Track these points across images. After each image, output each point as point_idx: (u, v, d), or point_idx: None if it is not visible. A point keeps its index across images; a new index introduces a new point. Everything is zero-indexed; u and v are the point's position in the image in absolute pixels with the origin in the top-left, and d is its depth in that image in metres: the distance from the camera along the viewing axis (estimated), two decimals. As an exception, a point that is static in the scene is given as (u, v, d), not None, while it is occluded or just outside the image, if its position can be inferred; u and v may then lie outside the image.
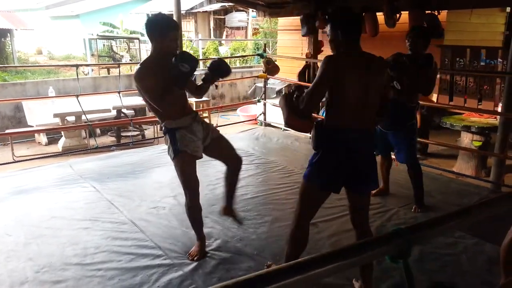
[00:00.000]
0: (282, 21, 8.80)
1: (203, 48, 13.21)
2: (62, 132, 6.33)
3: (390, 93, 2.78)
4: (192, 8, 16.42)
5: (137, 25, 17.23)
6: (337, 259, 0.90)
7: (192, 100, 6.46)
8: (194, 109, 6.48)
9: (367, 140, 2.14)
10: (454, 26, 6.27)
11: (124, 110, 6.74)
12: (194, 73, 2.45)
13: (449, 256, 2.75)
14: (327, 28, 2.16)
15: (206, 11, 17.02)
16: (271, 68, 6.27)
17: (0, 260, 2.68)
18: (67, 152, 5.62)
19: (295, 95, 2.13)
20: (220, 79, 2.82)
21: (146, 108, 6.89)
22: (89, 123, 5.18)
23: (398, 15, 4.90)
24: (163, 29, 2.43)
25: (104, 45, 12.67)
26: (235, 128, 6.72)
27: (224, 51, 14.57)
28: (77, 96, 4.89)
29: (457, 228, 2.97)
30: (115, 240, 2.92)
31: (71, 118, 6.27)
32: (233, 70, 10.35)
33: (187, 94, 2.75)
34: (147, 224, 3.13)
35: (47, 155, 5.42)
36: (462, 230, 3.01)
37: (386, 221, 3.24)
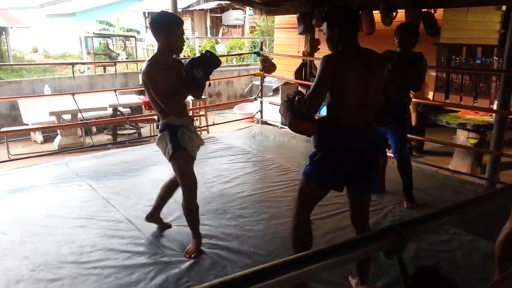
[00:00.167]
0: (279, 19, 8.79)
1: (199, 46, 13.19)
2: (58, 130, 6.31)
3: (392, 90, 2.78)
4: (188, 6, 16.39)
5: (133, 23, 17.20)
6: (332, 255, 0.91)
7: (188, 99, 6.44)
8: (191, 106, 6.50)
9: (369, 139, 2.12)
10: (450, 24, 6.29)
11: (120, 108, 6.73)
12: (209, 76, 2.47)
13: (444, 253, 2.77)
14: (324, 27, 2.15)
15: (202, 9, 16.99)
16: (268, 66, 6.27)
17: (-4, 259, 2.67)
18: (63, 150, 5.60)
19: (296, 99, 2.13)
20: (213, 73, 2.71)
21: (143, 106, 6.89)
22: (85, 121, 5.16)
23: (394, 13, 4.91)
24: (168, 26, 2.45)
25: (100, 43, 12.63)
26: (231, 126, 6.72)
27: (221, 49, 14.55)
28: (73, 94, 4.88)
29: (451, 225, 3.00)
30: (111, 238, 2.92)
31: (67, 116, 6.25)
32: (229, 68, 10.37)
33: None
34: (144, 222, 3.12)
35: (42, 153, 5.40)
36: (457, 226, 3.03)
37: (381, 218, 3.25)
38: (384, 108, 2.19)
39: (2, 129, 6.14)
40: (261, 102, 6.49)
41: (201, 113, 6.86)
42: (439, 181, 4.15)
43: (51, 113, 6.02)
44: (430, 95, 6.05)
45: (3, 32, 14.24)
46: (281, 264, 0.83)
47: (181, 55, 2.64)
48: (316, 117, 2.23)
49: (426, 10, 4.68)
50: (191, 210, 2.70)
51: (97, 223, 3.13)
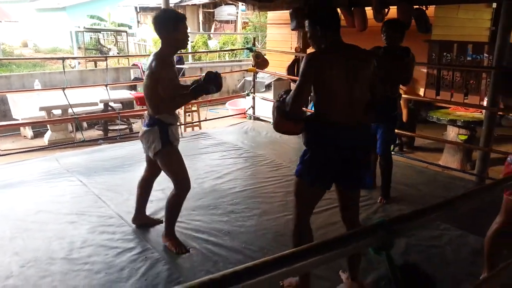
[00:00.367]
0: (272, 15, 8.77)
1: (192, 42, 13.11)
2: (48, 126, 6.25)
3: (379, 86, 2.79)
4: (181, 1, 16.28)
5: (125, 18, 17.05)
6: (322, 251, 0.91)
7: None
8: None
9: (359, 136, 2.10)
10: (441, 21, 6.32)
11: (111, 104, 6.67)
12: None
13: (434, 248, 2.80)
14: (306, 25, 2.13)
15: (195, 4, 16.88)
16: (260, 62, 6.26)
17: (-15, 255, 2.64)
18: (53, 145, 5.55)
19: (281, 98, 2.13)
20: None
21: (134, 101, 6.85)
22: (76, 116, 5.11)
23: (386, 9, 4.93)
24: (172, 23, 2.46)
25: (91, 38, 12.50)
26: (224, 122, 6.71)
27: (213, 44, 14.49)
28: (63, 89, 4.82)
29: (440, 220, 3.03)
30: (102, 234, 2.90)
31: (57, 112, 6.19)
32: (222, 64, 10.34)
33: None
34: (135, 218, 3.11)
35: (32, 148, 5.34)
36: (447, 222, 3.06)
37: (372, 214, 3.28)
38: (371, 105, 2.17)
39: (-9, 124, 6.06)
40: (254, 98, 6.48)
41: (193, 108, 6.83)
42: (430, 177, 4.18)
43: (41, 108, 5.96)
44: (421, 92, 6.09)
45: (-8, 26, 14.04)
46: (271, 261, 0.84)
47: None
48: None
49: (418, 7, 4.70)
50: (179, 203, 2.68)
51: (87, 219, 3.11)
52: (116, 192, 3.61)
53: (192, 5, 16.84)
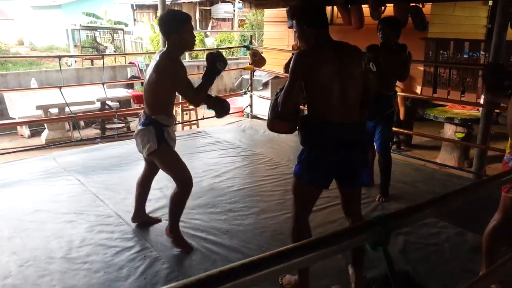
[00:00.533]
0: (269, 13, 8.75)
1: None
2: (45, 125, 6.23)
3: (373, 83, 2.79)
4: (176, -1, 16.23)
5: (121, 16, 16.98)
6: (319, 247, 0.91)
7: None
8: (180, 100, 6.46)
9: (353, 133, 2.09)
10: (438, 18, 6.32)
11: (108, 102, 6.66)
12: None
13: (432, 246, 2.81)
14: (294, 25, 2.12)
15: (191, 2, 16.84)
16: (258, 60, 6.26)
17: (-17, 255, 2.63)
18: (50, 144, 5.53)
19: (277, 96, 2.12)
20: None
21: (131, 100, 6.83)
22: (73, 115, 5.10)
23: (383, 7, 4.94)
24: (178, 23, 2.46)
25: (87, 36, 12.44)
26: (221, 120, 6.69)
27: (210, 42, 14.46)
28: (60, 87, 4.81)
29: (436, 216, 3.05)
30: (100, 233, 2.90)
31: (54, 110, 6.17)
32: (219, 62, 10.32)
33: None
34: (133, 217, 3.11)
35: (30, 147, 5.33)
36: (445, 220, 3.08)
37: (370, 211, 3.29)
38: (365, 103, 2.17)
39: (-12, 123, 6.03)
40: (251, 96, 6.48)
41: (191, 107, 6.81)
42: (427, 175, 4.20)
43: (38, 107, 5.94)
44: (418, 90, 6.10)
45: (-13, 24, 13.95)
46: (268, 257, 0.84)
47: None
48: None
49: (414, 4, 4.71)
50: (182, 199, 2.66)
51: (86, 218, 3.11)
52: (114, 191, 3.60)
53: (188, 2, 16.79)
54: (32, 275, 2.43)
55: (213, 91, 9.52)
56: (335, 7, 6.39)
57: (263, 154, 4.68)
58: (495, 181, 1.52)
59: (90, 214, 3.17)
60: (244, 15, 15.91)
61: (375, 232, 0.97)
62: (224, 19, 17.28)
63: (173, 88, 2.56)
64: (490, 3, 7.05)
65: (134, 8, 17.39)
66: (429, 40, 6.02)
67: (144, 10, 17.52)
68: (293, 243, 2.15)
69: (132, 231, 2.93)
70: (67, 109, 5.47)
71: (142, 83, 7.65)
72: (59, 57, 5.28)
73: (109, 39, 12.69)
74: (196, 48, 12.38)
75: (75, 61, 11.00)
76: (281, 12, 6.98)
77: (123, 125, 6.87)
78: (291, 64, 2.04)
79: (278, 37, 8.11)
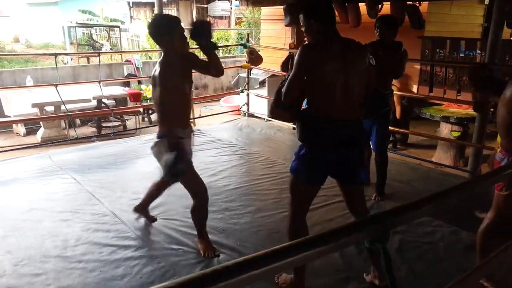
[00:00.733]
0: (266, 11, 8.74)
1: (185, 37, 13.03)
2: (41, 123, 6.20)
3: (373, 79, 2.79)
4: (172, -4, 16.15)
5: (117, 13, 16.90)
6: (316, 245, 0.90)
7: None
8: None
9: (354, 130, 2.09)
10: (434, 17, 6.34)
11: (104, 100, 6.63)
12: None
13: (427, 244, 2.82)
14: (300, 19, 2.12)
15: (188, 0, 16.78)
16: (255, 58, 6.24)
17: (-23, 254, 2.62)
18: (46, 143, 5.50)
19: (283, 83, 2.11)
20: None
21: (128, 98, 6.80)
22: (69, 113, 5.08)
23: (380, 6, 4.93)
24: (167, 27, 2.39)
25: (83, 33, 12.36)
26: (218, 119, 6.70)
27: (207, 40, 14.38)
28: (56, 85, 4.78)
29: (433, 217, 3.06)
30: (96, 232, 2.89)
31: (50, 108, 6.14)
32: (216, 60, 10.28)
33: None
34: (129, 216, 3.10)
35: (25, 146, 5.30)
36: (440, 218, 3.09)
37: (367, 210, 3.29)
38: (365, 100, 2.17)
39: (-17, 121, 6.00)
40: (248, 95, 6.47)
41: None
42: (423, 174, 4.21)
43: (34, 105, 5.91)
44: (414, 88, 6.11)
45: (-17, 21, 13.85)
46: (263, 256, 0.83)
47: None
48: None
49: (411, 3, 4.71)
50: (201, 211, 2.64)
51: (81, 217, 3.10)
52: (110, 190, 3.59)
53: (185, 0, 16.73)
54: (27, 274, 2.42)
55: (210, 90, 9.51)
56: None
57: (259, 153, 4.68)
58: (490, 178, 1.54)
59: (86, 213, 3.16)
60: (241, 13, 15.88)
61: (373, 229, 0.97)
62: (221, 17, 17.23)
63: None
64: (487, 1, 7.07)
65: (131, 5, 17.30)
66: (426, 38, 6.04)
67: (140, 8, 17.43)
68: (290, 241, 2.16)
69: (128, 230, 2.92)
70: (63, 107, 5.45)
71: (138, 81, 7.64)
72: (55, 54, 5.26)
73: (106, 37, 12.63)
74: (193, 46, 12.35)
75: (71, 59, 10.94)
76: (278, 10, 6.97)
77: (119, 123, 6.85)
78: (297, 56, 2.02)
79: (275, 35, 8.10)
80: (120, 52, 11.78)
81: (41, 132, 6.16)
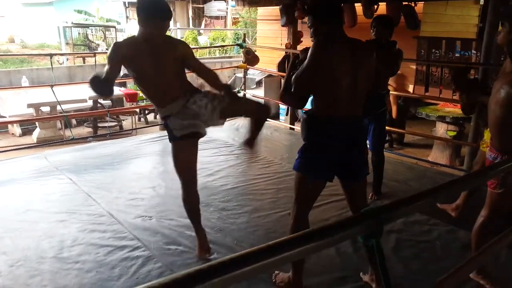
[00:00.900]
0: (262, 11, 8.74)
1: (182, 37, 13.04)
2: (37, 123, 6.17)
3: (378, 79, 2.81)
4: (169, -3, 16.13)
5: (113, 13, 16.86)
6: (311, 240, 0.90)
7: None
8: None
9: (358, 128, 2.13)
10: (430, 17, 6.36)
11: (100, 101, 6.61)
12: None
13: (424, 243, 2.83)
14: (308, 18, 2.12)
15: (184, 0, 16.77)
16: (251, 58, 6.25)
17: (-27, 255, 2.61)
18: (42, 143, 5.48)
19: (292, 72, 2.14)
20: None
21: (124, 98, 6.79)
22: (65, 113, 5.05)
23: (376, 6, 4.95)
24: (151, 13, 2.26)
25: (79, 33, 12.32)
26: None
27: (203, 41, 14.41)
28: (51, 86, 4.76)
29: (429, 213, 3.07)
30: (92, 232, 2.88)
31: (46, 109, 6.12)
32: (212, 60, 10.28)
33: (178, 78, 2.43)
34: (125, 216, 3.10)
35: (21, 146, 5.27)
36: (436, 217, 3.10)
37: (363, 209, 3.30)
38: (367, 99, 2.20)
39: (-22, 122, 5.98)
40: (244, 95, 6.46)
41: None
42: (419, 173, 4.23)
43: (29, 105, 5.88)
44: (410, 88, 6.13)
45: (-23, 21, 13.77)
46: (257, 251, 0.83)
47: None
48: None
49: (407, 3, 4.73)
50: (185, 205, 2.55)
51: (78, 217, 3.09)
52: (106, 190, 3.58)
53: (181, 0, 16.72)
54: (23, 275, 2.41)
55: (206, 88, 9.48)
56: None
57: (256, 153, 4.67)
58: (484, 174, 1.56)
59: (82, 214, 3.15)
60: (238, 13, 15.88)
61: (368, 224, 0.97)
62: (217, 17, 17.24)
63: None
64: (482, 2, 7.11)
65: (127, 5, 17.28)
66: (421, 38, 6.06)
67: (136, 8, 17.40)
68: None
69: (124, 230, 2.91)
70: (58, 107, 5.43)
71: (134, 82, 7.62)
72: (51, 55, 5.24)
73: (101, 37, 12.59)
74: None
75: (67, 59, 10.90)
76: (275, 10, 6.97)
77: (116, 123, 6.83)
78: (310, 52, 2.04)
79: (271, 35, 8.10)
80: (116, 52, 11.73)
81: (36, 132, 6.13)
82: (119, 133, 6.35)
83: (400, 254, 2.67)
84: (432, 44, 5.98)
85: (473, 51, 5.69)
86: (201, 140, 4.79)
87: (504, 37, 2.40)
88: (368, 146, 3.45)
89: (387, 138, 5.51)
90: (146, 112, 7.19)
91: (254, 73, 7.87)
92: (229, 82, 9.04)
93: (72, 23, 12.55)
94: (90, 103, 6.50)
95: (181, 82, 2.44)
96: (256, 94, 6.65)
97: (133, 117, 6.90)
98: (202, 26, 17.03)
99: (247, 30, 13.44)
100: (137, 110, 7.00)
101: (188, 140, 2.41)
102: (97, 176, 3.92)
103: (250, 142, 2.73)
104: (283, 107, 6.90)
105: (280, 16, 6.04)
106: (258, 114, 2.66)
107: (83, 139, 5.57)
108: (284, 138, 5.41)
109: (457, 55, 5.84)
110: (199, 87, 2.57)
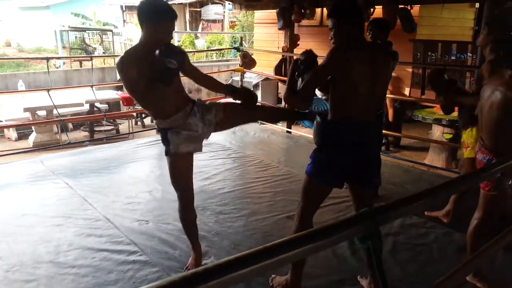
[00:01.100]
0: (259, 14, 8.77)
1: (178, 41, 13.05)
2: (33, 127, 6.16)
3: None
4: (167, 0, 16.15)
5: (110, 17, 16.86)
6: (307, 242, 0.90)
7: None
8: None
9: (373, 132, 2.14)
10: (426, 21, 6.40)
11: (97, 104, 6.60)
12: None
13: (420, 246, 2.83)
14: (330, 21, 2.11)
15: (181, 3, 16.78)
16: (248, 62, 6.25)
17: (-32, 260, 2.59)
18: (38, 147, 5.46)
19: (297, 73, 2.12)
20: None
21: (121, 102, 6.78)
22: (61, 118, 5.04)
23: (372, 9, 4.97)
24: (159, 15, 2.13)
25: (76, 37, 12.32)
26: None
27: (200, 44, 14.43)
28: (48, 90, 4.75)
29: (427, 218, 3.07)
30: (89, 237, 2.87)
31: (42, 113, 6.10)
32: (209, 63, 10.28)
33: (181, 86, 2.36)
34: (122, 220, 3.09)
35: (17, 151, 5.25)
36: (433, 220, 3.11)
37: (360, 212, 3.30)
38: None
39: (-26, 126, 5.95)
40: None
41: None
42: (416, 176, 4.24)
43: (26, 109, 5.87)
44: (407, 91, 6.16)
45: (-26, 25, 13.74)
46: (255, 254, 0.83)
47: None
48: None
49: (403, 6, 4.76)
50: (182, 219, 2.46)
51: (74, 222, 3.07)
52: (102, 194, 3.57)
53: (178, 3, 16.73)
54: (19, 280, 2.40)
55: (203, 94, 9.49)
56: (324, 9, 6.42)
57: (253, 156, 4.68)
58: (478, 175, 1.57)
59: (78, 218, 3.13)
60: (235, 17, 15.91)
61: (364, 225, 0.97)
62: (214, 21, 17.25)
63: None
64: (477, 5, 7.15)
65: (124, 9, 17.27)
66: (418, 42, 6.09)
67: (133, 11, 17.40)
68: None
69: (121, 235, 2.90)
70: (55, 111, 5.42)
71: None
72: (47, 58, 5.23)
73: (98, 41, 12.60)
74: (186, 49, 12.35)
75: (64, 63, 10.89)
76: (272, 13, 6.99)
77: (112, 127, 6.82)
78: (326, 57, 2.02)
79: (268, 39, 8.12)
80: (113, 56, 11.74)
81: (33, 136, 6.11)
82: (116, 137, 6.34)
83: (397, 257, 2.67)
84: (428, 47, 6.01)
85: (469, 54, 5.72)
86: (198, 143, 4.66)
87: (483, 39, 2.59)
88: None
89: (383, 141, 5.52)
90: (143, 116, 7.18)
91: (251, 77, 7.87)
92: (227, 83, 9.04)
93: (69, 27, 12.55)
94: (86, 107, 6.49)
95: (183, 90, 2.39)
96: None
97: (130, 121, 6.89)
98: (199, 30, 17.04)
99: (244, 33, 13.47)
100: (134, 114, 6.99)
101: (188, 154, 2.36)
102: (94, 180, 3.91)
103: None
104: (280, 110, 6.91)
105: (277, 20, 6.05)
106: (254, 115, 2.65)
107: (79, 143, 5.56)
108: (281, 141, 5.41)
109: (453, 58, 5.87)
110: (192, 93, 2.52)
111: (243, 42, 6.92)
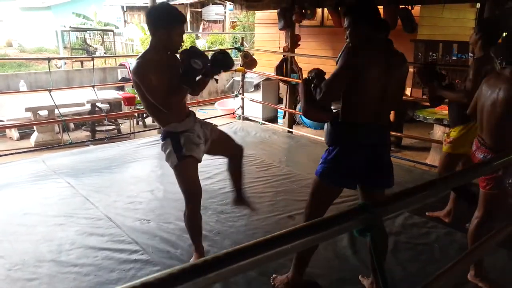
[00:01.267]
0: (260, 15, 8.77)
1: (179, 41, 13.03)
2: (35, 127, 6.16)
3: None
4: (168, 0, 16.17)
5: (111, 17, 16.89)
6: (306, 234, 0.90)
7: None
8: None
9: (385, 134, 2.10)
10: (427, 21, 6.40)
11: (98, 104, 6.61)
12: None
13: (422, 246, 2.84)
14: (346, 22, 2.08)
15: (182, 4, 16.79)
16: (249, 62, 6.26)
17: (-30, 259, 2.60)
18: (40, 147, 5.47)
19: (313, 84, 2.07)
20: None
21: (122, 102, 6.79)
22: (63, 118, 5.05)
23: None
24: (170, 20, 2.21)
25: (77, 37, 12.34)
26: (213, 122, 6.68)
27: (202, 44, 14.43)
28: (49, 90, 4.76)
29: (428, 218, 3.07)
30: (90, 236, 2.88)
31: (44, 113, 6.11)
32: (210, 63, 10.28)
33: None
34: (124, 220, 3.10)
35: (19, 150, 5.26)
36: (434, 220, 3.11)
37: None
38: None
39: (-24, 126, 5.96)
40: (242, 99, 6.48)
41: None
42: (417, 176, 4.24)
43: (27, 109, 5.88)
44: (408, 91, 6.15)
45: (-25, 26, 13.77)
46: (252, 246, 0.83)
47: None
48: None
49: (403, 6, 4.76)
50: (191, 223, 2.48)
51: (76, 221, 3.08)
52: (104, 194, 3.58)
53: (179, 4, 16.75)
54: (21, 279, 2.40)
55: (205, 93, 9.50)
56: (325, 9, 6.43)
57: (254, 156, 4.68)
58: (479, 169, 1.57)
59: (80, 217, 3.14)
60: (236, 17, 15.92)
61: (363, 218, 0.97)
62: (215, 21, 17.26)
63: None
64: (478, 5, 7.15)
65: (125, 9, 17.28)
66: (418, 42, 6.09)
67: (134, 12, 17.43)
68: None
69: (122, 234, 2.91)
70: (56, 111, 5.43)
71: (132, 85, 7.63)
72: (49, 59, 5.24)
73: (99, 41, 12.61)
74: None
75: (65, 63, 10.91)
76: (272, 14, 6.99)
77: (114, 127, 6.83)
78: (343, 57, 1.99)
79: (269, 39, 8.12)
80: (114, 56, 11.77)
81: (34, 136, 6.12)
82: (117, 136, 6.34)
83: (398, 256, 2.68)
84: (429, 47, 6.01)
85: (470, 54, 5.71)
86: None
87: (472, 37, 2.84)
88: None
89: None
90: (144, 116, 7.19)
91: (252, 77, 7.88)
92: (226, 86, 9.06)
93: (70, 27, 12.57)
94: (88, 106, 6.50)
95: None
96: (254, 97, 6.66)
97: (131, 120, 6.90)
98: (200, 30, 17.06)
99: (245, 33, 13.48)
100: (135, 114, 7.00)
101: (195, 159, 2.41)
102: (95, 179, 3.92)
103: (239, 197, 2.83)
104: (280, 110, 6.91)
105: (278, 20, 6.06)
106: (238, 152, 2.73)
107: (81, 143, 5.57)
108: (282, 141, 5.42)
109: (454, 58, 5.87)
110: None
111: (244, 42, 6.93)
